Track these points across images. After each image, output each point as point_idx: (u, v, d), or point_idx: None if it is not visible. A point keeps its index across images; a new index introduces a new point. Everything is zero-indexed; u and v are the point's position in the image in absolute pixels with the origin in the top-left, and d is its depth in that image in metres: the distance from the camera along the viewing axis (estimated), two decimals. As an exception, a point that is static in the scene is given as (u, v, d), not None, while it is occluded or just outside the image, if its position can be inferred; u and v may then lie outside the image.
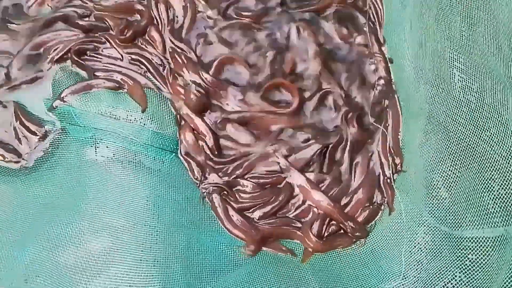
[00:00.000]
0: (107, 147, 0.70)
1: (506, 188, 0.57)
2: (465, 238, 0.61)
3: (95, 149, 0.70)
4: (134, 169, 0.70)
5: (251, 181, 0.75)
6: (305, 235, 0.73)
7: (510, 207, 0.56)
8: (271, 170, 0.76)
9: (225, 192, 0.74)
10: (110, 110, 0.72)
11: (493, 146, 0.58)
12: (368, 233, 0.73)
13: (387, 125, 0.77)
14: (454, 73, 0.64)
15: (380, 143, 0.77)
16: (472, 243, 0.60)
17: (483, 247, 0.59)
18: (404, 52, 0.74)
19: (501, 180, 0.57)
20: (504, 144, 0.58)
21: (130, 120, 0.73)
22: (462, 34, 0.63)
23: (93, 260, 0.62)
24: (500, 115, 0.58)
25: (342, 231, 0.74)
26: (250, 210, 0.75)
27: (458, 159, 0.63)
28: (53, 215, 0.65)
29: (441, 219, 0.65)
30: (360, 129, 0.77)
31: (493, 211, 0.57)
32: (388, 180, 0.75)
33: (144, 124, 0.73)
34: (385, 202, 0.75)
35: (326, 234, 0.74)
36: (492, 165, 0.58)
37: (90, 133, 0.70)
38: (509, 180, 0.57)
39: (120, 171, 0.69)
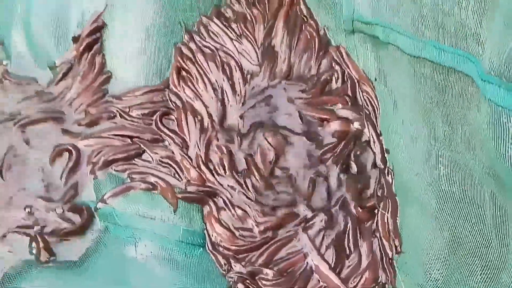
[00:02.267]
0: (145, 245, 0.78)
1: (486, 273, 0.64)
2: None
3: (135, 247, 0.78)
4: (168, 265, 0.78)
5: (272, 269, 0.83)
6: None
7: (491, 290, 0.63)
8: (292, 251, 0.85)
9: (248, 281, 0.82)
10: (147, 210, 0.81)
11: (474, 235, 0.66)
12: None
13: (386, 210, 0.86)
14: (440, 168, 0.73)
15: (381, 226, 0.85)
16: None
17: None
18: (398, 144, 0.83)
19: (482, 267, 0.65)
20: (483, 234, 0.65)
21: (164, 220, 0.82)
22: (444, 134, 0.71)
23: None
24: (479, 206, 0.66)
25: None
26: None
27: (446, 245, 0.71)
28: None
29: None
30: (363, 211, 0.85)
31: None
32: (390, 261, 0.82)
33: (176, 223, 0.82)
34: (389, 282, 0.82)
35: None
36: (474, 252, 0.66)
37: (130, 232, 0.79)
38: (489, 267, 0.64)
39: (158, 269, 0.77)
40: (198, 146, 0.88)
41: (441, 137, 0.72)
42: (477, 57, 0.58)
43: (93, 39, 0.96)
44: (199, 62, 0.96)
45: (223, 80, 0.94)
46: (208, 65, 0.95)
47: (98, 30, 0.96)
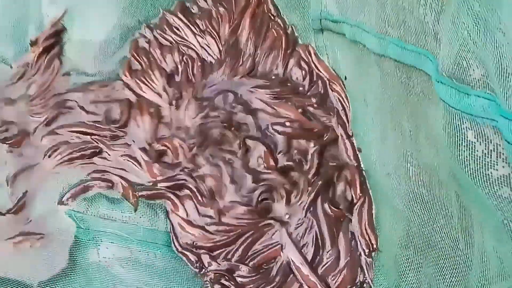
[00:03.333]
0: (107, 248, 0.77)
1: (455, 275, 0.63)
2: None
3: (97, 251, 0.77)
4: (131, 267, 0.77)
5: (247, 265, 0.81)
6: None
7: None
8: (268, 244, 0.83)
9: (225, 279, 0.80)
10: (107, 212, 0.80)
11: (442, 237, 0.65)
12: None
13: (362, 208, 0.84)
14: (409, 168, 0.71)
15: (357, 223, 0.84)
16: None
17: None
18: (369, 143, 0.82)
19: (451, 268, 0.63)
20: (451, 235, 0.64)
21: (125, 220, 0.80)
22: (410, 133, 0.70)
23: None
24: (446, 208, 0.64)
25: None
26: None
27: (418, 247, 0.70)
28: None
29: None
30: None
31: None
32: (367, 260, 0.81)
33: (137, 222, 0.81)
34: (367, 281, 0.81)
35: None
36: (443, 254, 0.64)
37: (91, 235, 0.78)
38: (458, 269, 0.63)
39: (120, 270, 0.76)
40: (153, 140, 0.86)
41: (408, 136, 0.70)
42: (435, 56, 0.56)
43: (52, 43, 0.95)
44: (155, 55, 0.95)
45: (180, 72, 0.93)
46: (164, 58, 0.94)
47: (57, 33, 0.95)
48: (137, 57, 0.96)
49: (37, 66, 0.92)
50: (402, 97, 0.68)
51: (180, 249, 0.81)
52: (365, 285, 0.81)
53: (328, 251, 0.82)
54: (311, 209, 0.84)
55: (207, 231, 0.83)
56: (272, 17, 0.96)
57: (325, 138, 0.85)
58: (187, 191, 0.84)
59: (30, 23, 0.95)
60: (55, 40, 0.96)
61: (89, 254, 0.76)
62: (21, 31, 0.95)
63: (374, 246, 0.81)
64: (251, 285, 0.80)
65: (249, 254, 0.83)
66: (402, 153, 0.72)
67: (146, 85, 0.93)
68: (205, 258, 0.83)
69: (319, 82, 0.91)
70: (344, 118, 0.88)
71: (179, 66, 0.97)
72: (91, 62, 0.93)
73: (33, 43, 0.93)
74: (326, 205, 0.84)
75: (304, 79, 0.92)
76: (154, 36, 0.99)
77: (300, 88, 0.91)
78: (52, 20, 0.94)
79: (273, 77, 0.94)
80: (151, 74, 0.94)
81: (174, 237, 0.82)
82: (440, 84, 0.51)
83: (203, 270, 0.80)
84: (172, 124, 0.90)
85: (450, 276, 0.64)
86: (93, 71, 0.92)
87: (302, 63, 0.92)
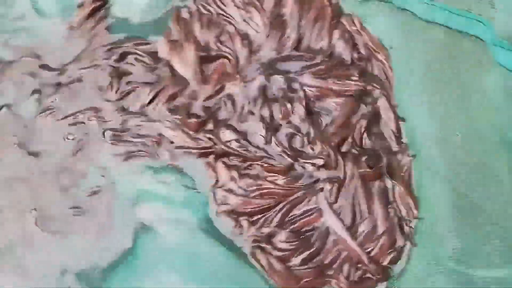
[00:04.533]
0: (151, 207, 0.81)
1: (504, 241, 0.64)
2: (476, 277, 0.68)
3: (141, 209, 0.81)
4: (175, 226, 0.80)
5: (287, 230, 0.83)
6: (338, 281, 0.81)
7: (506, 256, 0.63)
8: (306, 209, 0.85)
9: (264, 243, 0.82)
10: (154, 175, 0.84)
11: (492, 203, 0.66)
12: (390, 276, 0.80)
13: (402, 176, 0.85)
14: (456, 136, 0.72)
15: (398, 192, 0.85)
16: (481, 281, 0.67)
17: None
18: (413, 113, 0.82)
19: (499, 234, 0.64)
20: (501, 201, 0.65)
21: (168, 182, 0.83)
22: (458, 100, 0.71)
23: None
24: (496, 175, 0.65)
25: (367, 274, 0.82)
26: (289, 258, 0.84)
27: (463, 213, 0.71)
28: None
29: (456, 261, 0.73)
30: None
31: (494, 260, 0.64)
32: (408, 227, 0.82)
33: (179, 187, 0.84)
34: (406, 247, 0.82)
35: (354, 278, 0.82)
36: (491, 220, 0.65)
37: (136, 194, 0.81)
38: (506, 234, 0.64)
39: (164, 229, 0.79)
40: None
41: (456, 103, 0.71)
42: (490, 21, 0.57)
43: (98, 5, 0.99)
44: (194, 28, 0.96)
45: (220, 47, 0.94)
46: (203, 32, 0.95)
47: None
48: (177, 27, 0.97)
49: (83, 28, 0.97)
50: (450, 64, 0.69)
51: (219, 212, 0.83)
52: (404, 249, 0.82)
53: (365, 218, 0.83)
54: (349, 175, 0.85)
55: (246, 196, 0.85)
56: (317, -12, 0.96)
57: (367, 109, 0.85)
58: (229, 159, 0.86)
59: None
60: (100, 3, 1.00)
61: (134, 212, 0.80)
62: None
63: (415, 213, 0.82)
64: (291, 250, 0.82)
65: (288, 219, 0.85)
66: (449, 121, 0.72)
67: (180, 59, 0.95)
68: (244, 223, 0.85)
69: (363, 52, 0.91)
70: (387, 88, 0.88)
71: (218, 44, 0.98)
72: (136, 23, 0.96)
73: (80, 5, 0.96)
74: (363, 171, 0.84)
75: (348, 49, 0.92)
76: (197, 6, 1.00)
77: (344, 59, 0.92)
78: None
79: (319, 50, 0.94)
80: (186, 48, 0.96)
81: (213, 202, 0.85)
82: (498, 48, 0.52)
83: (242, 234, 0.83)
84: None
85: (499, 242, 0.65)
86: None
87: (347, 34, 0.92)
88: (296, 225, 0.82)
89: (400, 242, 0.80)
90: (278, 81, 0.91)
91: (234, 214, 0.83)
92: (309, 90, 0.90)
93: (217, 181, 0.87)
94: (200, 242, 0.77)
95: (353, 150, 0.83)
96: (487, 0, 0.59)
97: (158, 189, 0.80)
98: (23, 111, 0.87)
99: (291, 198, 0.84)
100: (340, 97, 0.88)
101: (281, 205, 0.83)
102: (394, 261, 0.78)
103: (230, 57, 0.94)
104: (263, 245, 0.81)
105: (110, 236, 0.78)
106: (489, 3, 0.59)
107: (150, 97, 0.92)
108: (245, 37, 0.96)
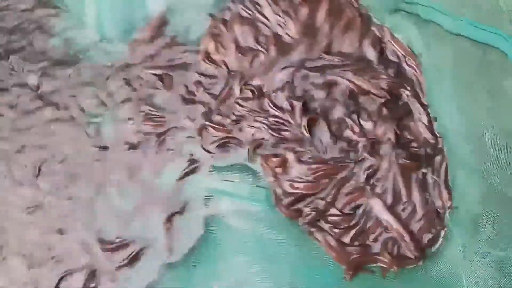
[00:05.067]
0: (222, 201, 0.93)
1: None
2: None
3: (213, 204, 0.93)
4: (244, 217, 0.91)
5: (337, 208, 0.90)
6: (383, 256, 0.88)
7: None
8: (355, 187, 0.90)
9: (320, 222, 0.89)
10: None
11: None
12: (427, 257, 0.85)
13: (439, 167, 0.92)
14: (485, 133, 0.80)
15: (434, 183, 0.92)
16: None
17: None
18: (444, 113, 0.88)
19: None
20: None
21: (236, 181, 0.94)
22: (487, 103, 0.78)
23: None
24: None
25: (407, 253, 0.86)
26: (341, 235, 0.88)
27: (497, 204, 0.79)
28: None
29: (491, 246, 0.80)
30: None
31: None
32: (444, 214, 0.88)
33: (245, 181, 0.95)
34: (443, 232, 0.87)
35: (396, 255, 0.86)
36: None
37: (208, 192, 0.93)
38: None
39: (231, 220, 0.91)
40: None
41: (484, 106, 0.79)
42: (510, 36, 0.64)
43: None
44: (233, 28, 1.04)
45: (257, 46, 1.03)
46: (241, 33, 1.04)
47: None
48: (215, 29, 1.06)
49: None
50: (478, 71, 0.77)
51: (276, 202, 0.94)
52: (440, 234, 0.86)
53: (405, 202, 0.90)
54: (390, 160, 0.90)
55: (305, 182, 0.95)
56: (348, -1, 1.03)
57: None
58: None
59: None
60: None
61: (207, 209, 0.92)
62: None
63: (451, 203, 0.87)
64: (341, 228, 0.91)
65: (338, 196, 0.90)
66: (479, 121, 0.80)
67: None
68: (301, 204, 0.95)
69: (394, 59, 0.99)
70: (418, 90, 0.96)
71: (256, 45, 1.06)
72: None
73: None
74: (402, 160, 0.90)
75: (379, 57, 1.00)
76: (237, 9, 1.08)
77: (375, 65, 0.99)
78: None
79: (349, 55, 1.02)
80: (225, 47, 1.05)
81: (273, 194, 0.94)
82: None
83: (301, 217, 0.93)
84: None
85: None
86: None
87: (377, 43, 1.00)
88: (343, 201, 0.90)
89: (437, 227, 0.86)
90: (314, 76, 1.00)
91: (295, 200, 0.93)
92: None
93: (276, 173, 0.97)
94: (264, 228, 0.89)
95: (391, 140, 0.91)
96: (508, 18, 0.67)
97: (225, 186, 0.91)
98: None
99: (340, 176, 0.91)
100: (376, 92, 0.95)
101: (332, 184, 0.90)
102: (431, 244, 0.86)
103: (264, 54, 1.03)
104: (319, 223, 0.90)
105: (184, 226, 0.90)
106: (509, 21, 0.66)
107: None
108: (279, 39, 1.04)
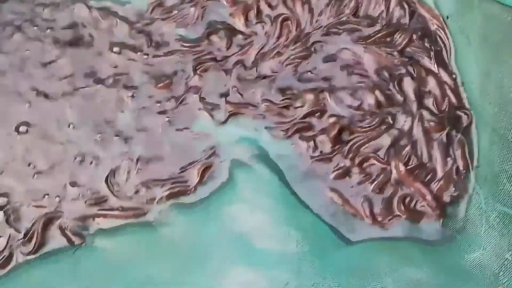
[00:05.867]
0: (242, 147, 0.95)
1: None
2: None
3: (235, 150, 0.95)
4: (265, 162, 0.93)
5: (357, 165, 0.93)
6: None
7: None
8: (375, 148, 0.95)
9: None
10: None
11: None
12: (447, 215, 0.89)
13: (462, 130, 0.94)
14: (511, 96, 0.83)
15: (457, 144, 0.94)
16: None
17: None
18: (471, 77, 0.92)
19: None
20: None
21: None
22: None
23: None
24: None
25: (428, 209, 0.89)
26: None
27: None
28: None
29: (507, 205, 0.82)
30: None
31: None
32: (467, 173, 0.91)
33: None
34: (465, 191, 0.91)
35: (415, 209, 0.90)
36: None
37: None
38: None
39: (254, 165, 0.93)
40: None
41: (510, 68, 0.81)
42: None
43: None
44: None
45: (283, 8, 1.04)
46: None
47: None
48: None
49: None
50: (506, 35, 0.78)
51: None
52: (463, 193, 0.90)
53: (426, 163, 0.92)
54: (414, 122, 0.95)
55: None
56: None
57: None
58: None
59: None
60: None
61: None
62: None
63: (473, 163, 0.91)
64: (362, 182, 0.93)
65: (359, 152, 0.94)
66: (506, 85, 0.83)
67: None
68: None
69: (420, 20, 1.00)
70: (444, 54, 0.98)
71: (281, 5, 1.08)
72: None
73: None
74: (426, 121, 0.94)
75: (405, 17, 1.02)
76: None
77: (403, 24, 1.01)
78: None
79: (376, 18, 1.04)
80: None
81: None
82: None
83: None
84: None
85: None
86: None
87: (404, 3, 1.01)
88: (362, 157, 0.93)
89: (458, 186, 0.90)
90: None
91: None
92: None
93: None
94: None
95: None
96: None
97: (250, 135, 0.95)
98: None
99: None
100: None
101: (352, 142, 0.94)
102: (451, 203, 0.90)
103: (291, 17, 1.05)
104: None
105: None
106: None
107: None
108: (306, 2, 1.06)
